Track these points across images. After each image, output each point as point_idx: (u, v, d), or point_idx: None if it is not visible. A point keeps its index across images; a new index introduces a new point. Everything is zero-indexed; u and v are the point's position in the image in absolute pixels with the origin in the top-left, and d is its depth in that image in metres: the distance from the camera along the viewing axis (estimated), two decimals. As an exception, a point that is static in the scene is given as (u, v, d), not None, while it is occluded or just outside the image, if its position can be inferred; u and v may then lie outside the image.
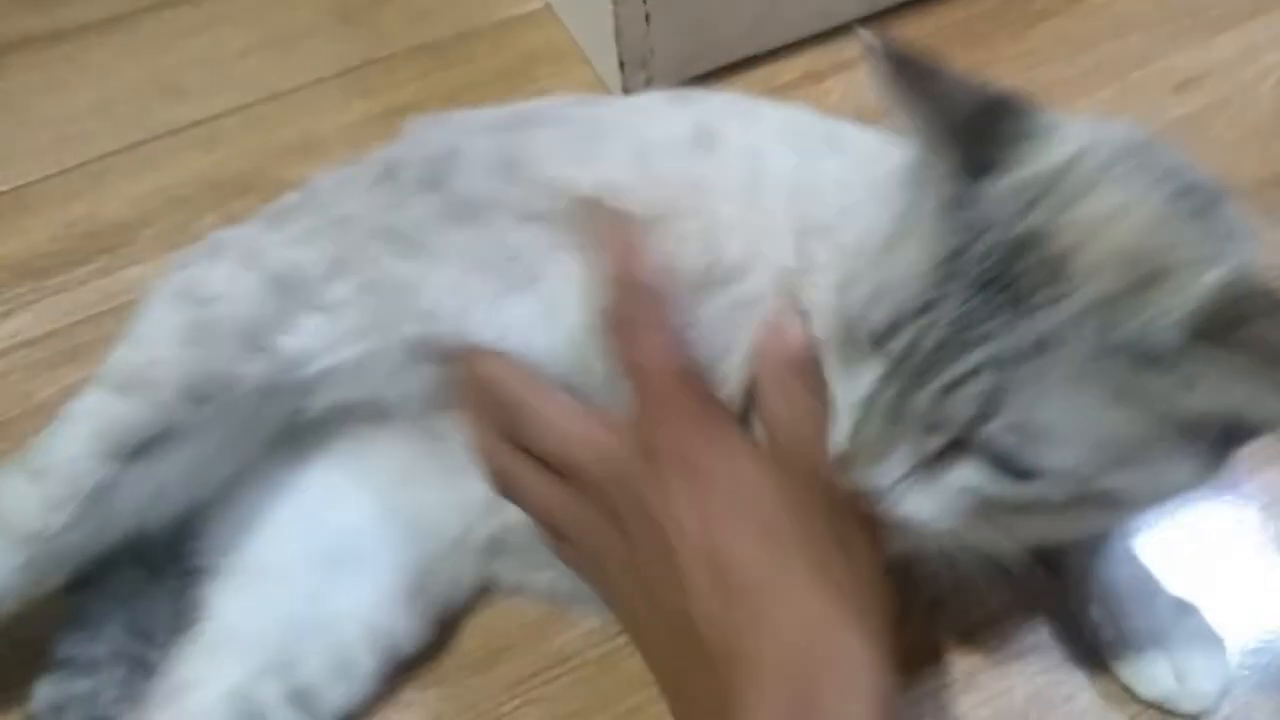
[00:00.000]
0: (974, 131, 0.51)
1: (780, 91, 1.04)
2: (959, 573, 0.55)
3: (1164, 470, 0.49)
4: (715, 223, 0.66)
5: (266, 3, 1.16)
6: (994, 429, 0.48)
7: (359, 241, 0.69)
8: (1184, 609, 0.70)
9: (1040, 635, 0.72)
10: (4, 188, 1.00)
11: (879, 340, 0.50)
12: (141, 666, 0.67)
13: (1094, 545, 0.69)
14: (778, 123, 0.73)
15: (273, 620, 0.68)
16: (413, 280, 0.67)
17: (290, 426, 0.70)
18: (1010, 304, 0.47)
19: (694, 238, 0.66)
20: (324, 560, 0.70)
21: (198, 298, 0.68)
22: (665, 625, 0.57)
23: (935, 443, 0.50)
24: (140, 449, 0.64)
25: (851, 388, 0.53)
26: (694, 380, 0.60)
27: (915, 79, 0.53)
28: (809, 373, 0.58)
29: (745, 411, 0.62)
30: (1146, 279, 0.46)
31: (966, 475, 0.50)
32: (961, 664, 0.71)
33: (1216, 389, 0.46)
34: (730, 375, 0.63)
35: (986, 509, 0.51)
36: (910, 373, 0.49)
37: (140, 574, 0.70)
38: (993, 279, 0.47)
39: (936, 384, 0.48)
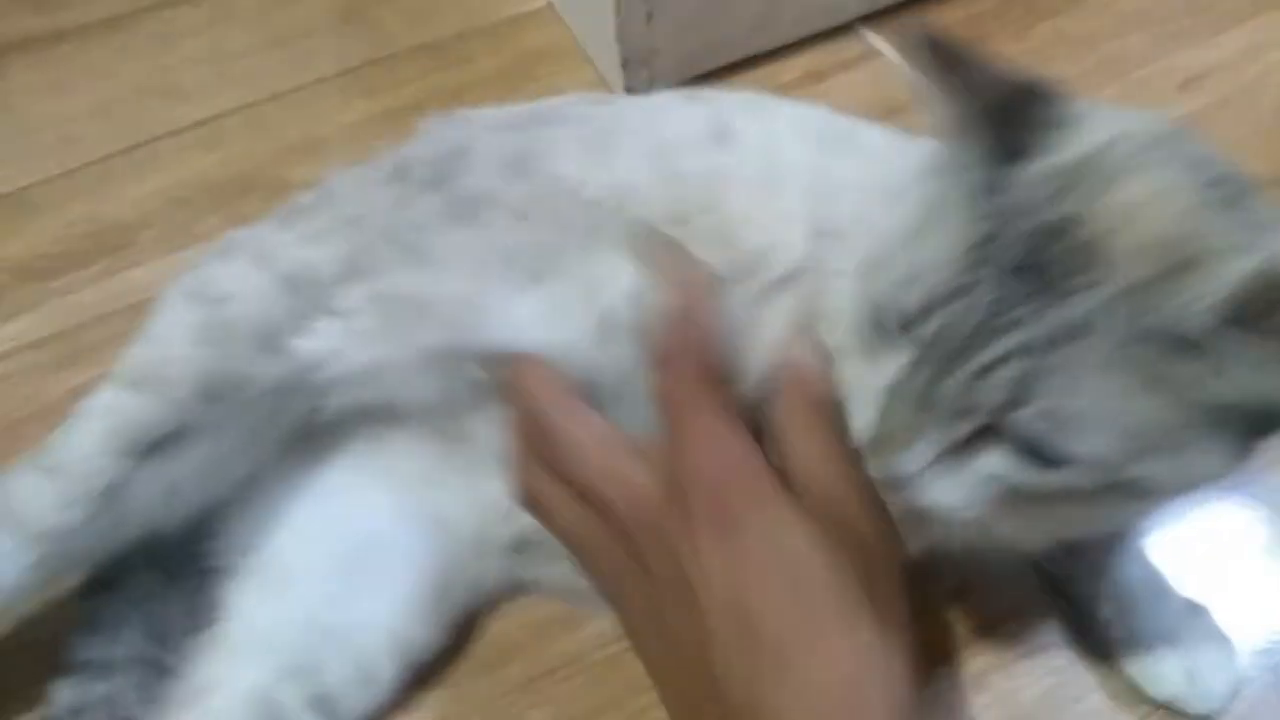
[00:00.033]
0: (1006, 117, 0.51)
1: (782, 91, 1.03)
2: (979, 568, 0.55)
3: (1192, 459, 0.49)
4: (732, 218, 0.66)
5: (267, 3, 1.15)
6: (1024, 415, 0.47)
7: (370, 242, 0.69)
8: (1194, 609, 0.70)
9: (1050, 636, 0.72)
10: (5, 189, 1.00)
11: (909, 325, 0.50)
12: (159, 669, 0.67)
13: (1107, 544, 0.69)
14: (792, 118, 0.73)
15: (293, 623, 0.67)
16: (423, 290, 0.67)
17: (307, 426, 0.70)
18: (1042, 290, 0.47)
19: (711, 234, 0.65)
20: (344, 563, 0.69)
21: (210, 297, 0.67)
22: (683, 669, 0.57)
23: (964, 429, 0.50)
24: (154, 447, 0.64)
25: (877, 375, 0.52)
26: (730, 425, 0.58)
27: (948, 64, 0.52)
28: (832, 412, 0.57)
29: (759, 423, 0.61)
30: (1179, 266, 0.46)
31: (994, 462, 0.50)
32: (971, 664, 0.71)
33: (1247, 375, 0.46)
34: (749, 371, 0.63)
35: (1012, 498, 0.51)
36: (940, 358, 0.49)
37: (157, 576, 0.70)
38: (1024, 265, 0.47)
39: (967, 370, 0.48)
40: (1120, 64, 1.05)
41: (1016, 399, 0.47)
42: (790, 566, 0.55)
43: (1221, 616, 0.70)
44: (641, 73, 1.02)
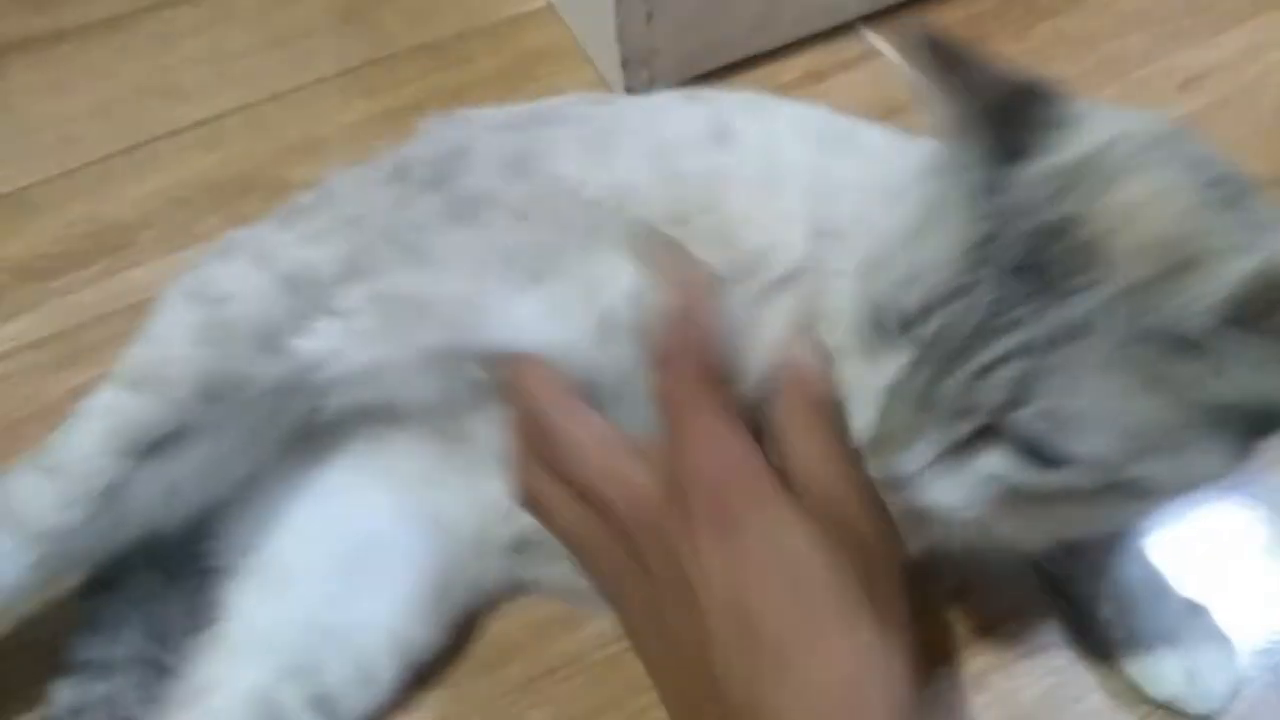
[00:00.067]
0: (1006, 117, 0.51)
1: (782, 91, 1.03)
2: (979, 568, 0.55)
3: (1192, 460, 0.49)
4: (732, 218, 0.66)
5: (267, 3, 1.16)
6: (1024, 415, 0.47)
7: (370, 242, 0.69)
8: (1195, 610, 0.70)
9: (1049, 636, 0.72)
10: (5, 189, 1.00)
11: (909, 324, 0.50)
12: (159, 668, 0.67)
13: (1107, 544, 0.69)
14: (792, 118, 0.73)
15: (293, 623, 0.67)
16: (423, 290, 0.67)
17: (307, 426, 0.70)
18: (1042, 290, 0.47)
19: (711, 234, 0.66)
20: (344, 564, 0.69)
21: (210, 297, 0.67)
22: (683, 668, 0.57)
23: (964, 429, 0.50)
24: (154, 447, 0.64)
25: (877, 375, 0.52)
26: (730, 425, 0.58)
27: (948, 64, 0.53)
28: (832, 412, 0.57)
29: (759, 422, 0.61)
30: (1179, 266, 0.46)
31: (994, 462, 0.50)
32: (971, 664, 0.71)
33: (1247, 375, 0.46)
34: (749, 370, 0.63)
35: (1012, 498, 0.51)
36: (940, 358, 0.49)
37: (157, 576, 0.70)
38: (1024, 265, 0.47)
39: (967, 370, 0.48)
40: (1120, 64, 1.05)
41: (1016, 399, 0.47)
42: (790, 567, 0.55)
43: (1221, 616, 0.70)
44: (641, 73, 1.02)
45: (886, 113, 0.79)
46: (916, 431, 0.51)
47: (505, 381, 0.65)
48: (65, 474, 0.63)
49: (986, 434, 0.50)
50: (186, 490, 0.67)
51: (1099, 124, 0.52)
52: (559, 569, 0.67)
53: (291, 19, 1.14)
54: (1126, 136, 0.51)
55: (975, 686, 0.70)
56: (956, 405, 0.49)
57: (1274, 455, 0.50)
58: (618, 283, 0.66)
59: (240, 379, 0.65)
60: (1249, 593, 0.73)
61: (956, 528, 0.54)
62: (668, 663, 0.58)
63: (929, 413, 0.50)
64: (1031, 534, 0.54)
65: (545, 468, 0.62)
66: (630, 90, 1.03)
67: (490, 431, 0.68)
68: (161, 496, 0.66)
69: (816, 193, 0.67)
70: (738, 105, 0.74)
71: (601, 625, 0.73)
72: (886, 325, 0.52)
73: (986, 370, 0.47)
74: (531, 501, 0.64)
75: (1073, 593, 0.71)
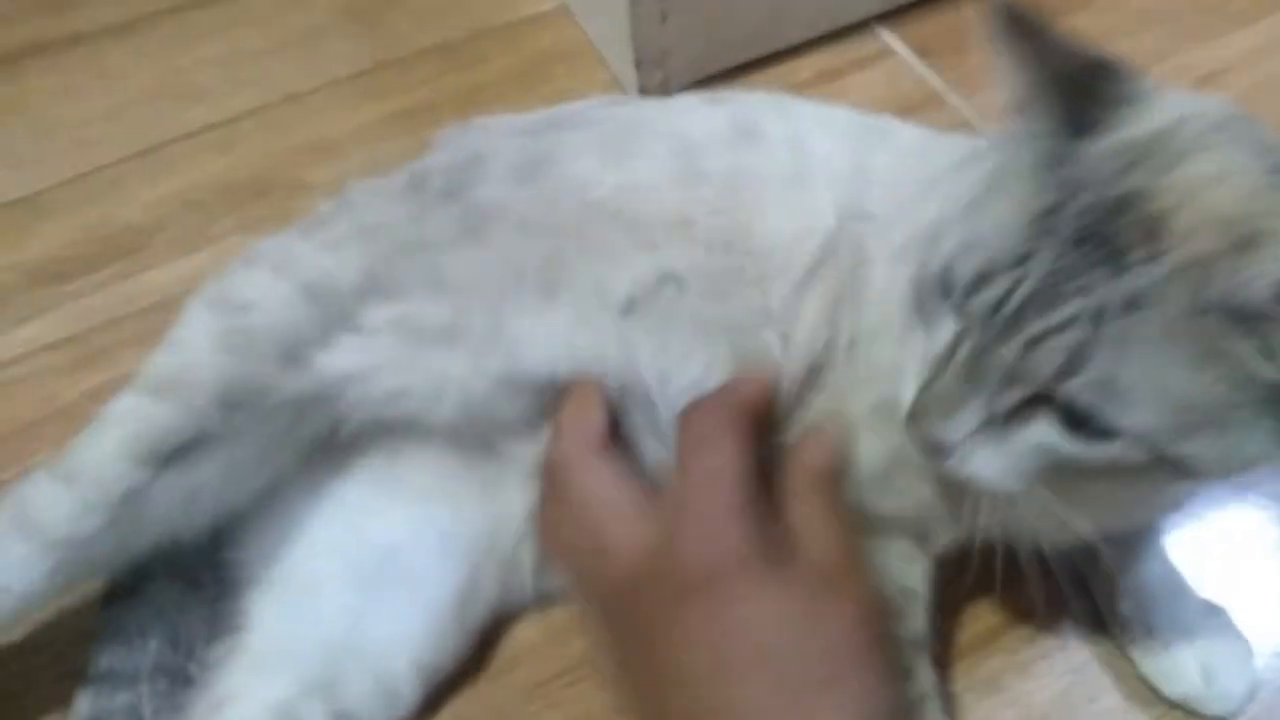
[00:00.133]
0: (1078, 90, 0.52)
1: (797, 90, 1.03)
2: (1005, 564, 0.56)
3: (1239, 441, 0.49)
4: (750, 217, 0.67)
5: (279, 5, 1.16)
6: (1077, 384, 0.48)
7: (388, 256, 0.69)
8: (1213, 610, 0.70)
9: (1064, 636, 0.72)
10: (21, 193, 1.00)
11: (966, 292, 0.51)
12: (182, 678, 0.67)
13: (1129, 541, 0.69)
14: (818, 116, 0.75)
15: (315, 637, 0.67)
16: (444, 320, 0.67)
17: (328, 438, 0.70)
18: (1104, 261, 0.47)
19: (715, 236, 0.67)
20: (364, 576, 0.69)
21: (232, 305, 0.68)
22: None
23: (1012, 397, 0.51)
24: (173, 455, 0.64)
25: (919, 349, 0.54)
26: (740, 509, 0.58)
27: (1025, 33, 0.54)
28: (836, 482, 0.59)
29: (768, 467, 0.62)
30: (1241, 243, 0.46)
31: (1040, 432, 0.51)
32: (986, 665, 0.71)
33: None
34: (789, 362, 0.65)
35: (1054, 473, 0.52)
36: (998, 325, 0.49)
37: (179, 585, 0.70)
38: (1088, 236, 0.48)
39: (1023, 336, 0.48)
40: (1136, 61, 1.04)
41: (1071, 367, 0.48)
42: (762, 643, 0.55)
43: (1239, 617, 0.69)
44: (656, 73, 1.02)
45: (902, 111, 0.79)
46: (961, 400, 0.52)
47: (550, 412, 0.67)
48: (83, 480, 0.63)
49: (1033, 405, 0.50)
50: (205, 499, 0.67)
51: (1168, 104, 0.52)
52: None
53: (304, 21, 1.14)
54: (1195, 117, 0.51)
55: (991, 687, 0.70)
56: (1006, 374, 0.50)
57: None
58: (624, 276, 0.67)
59: (261, 388, 0.65)
60: (1267, 594, 0.73)
61: (994, 507, 0.55)
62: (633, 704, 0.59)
63: (975, 382, 0.51)
64: (1067, 517, 0.54)
65: (558, 508, 0.64)
66: (644, 90, 1.02)
67: (513, 448, 0.69)
68: (180, 505, 0.65)
69: (848, 184, 0.68)
70: (761, 105, 0.75)
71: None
72: (934, 299, 0.53)
73: (1040, 339, 0.48)
74: (546, 539, 0.67)
75: (1094, 589, 0.71)
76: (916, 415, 0.53)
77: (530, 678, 0.72)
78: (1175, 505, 0.70)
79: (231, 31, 1.13)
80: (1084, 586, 0.71)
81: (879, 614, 0.58)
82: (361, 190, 0.75)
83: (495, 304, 0.67)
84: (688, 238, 0.68)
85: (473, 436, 0.70)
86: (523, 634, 0.73)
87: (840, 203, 0.68)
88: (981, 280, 0.50)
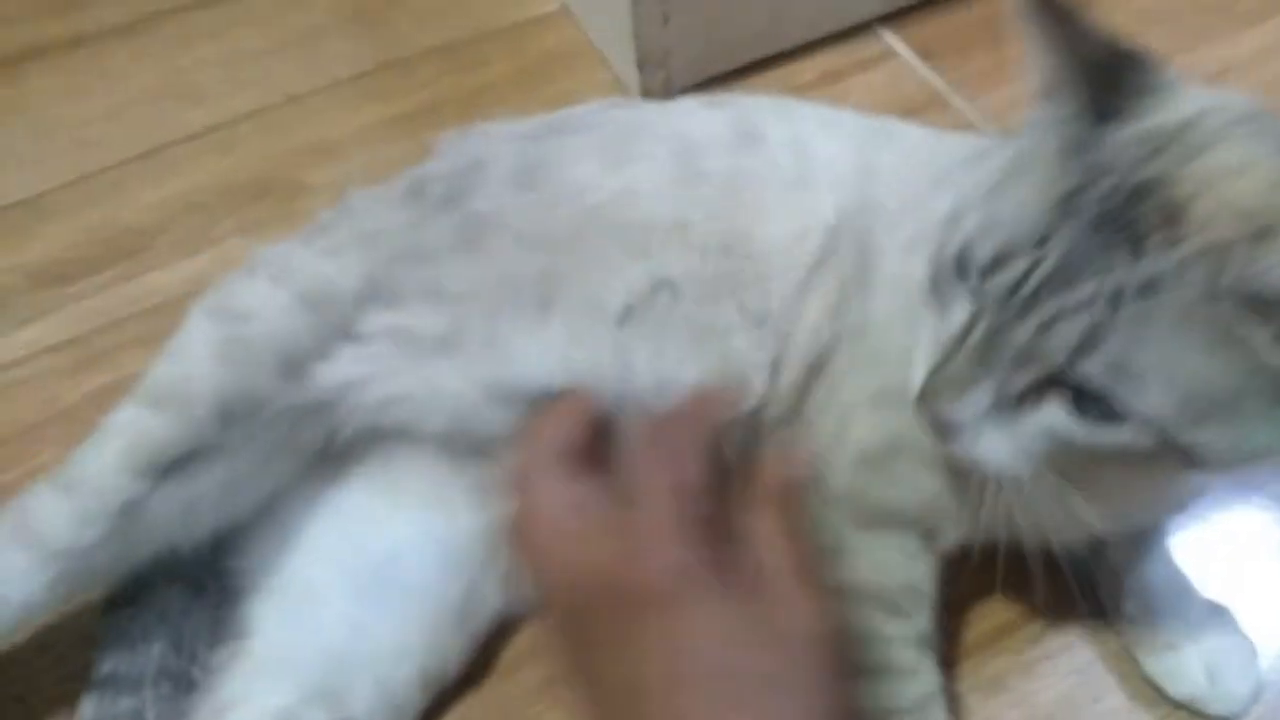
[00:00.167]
0: (1104, 77, 0.53)
1: (799, 91, 1.03)
2: (1010, 563, 0.55)
3: (1248, 430, 0.50)
4: (749, 220, 0.67)
5: (281, 6, 1.16)
6: (1091, 365, 0.48)
7: (387, 264, 0.69)
8: (1217, 610, 0.70)
9: (1069, 636, 0.72)
10: (23, 195, 1.00)
11: (983, 273, 0.51)
12: (185, 682, 0.67)
13: (1134, 541, 0.70)
14: (820, 118, 0.75)
15: (316, 645, 0.67)
16: (441, 330, 0.67)
17: (325, 447, 0.70)
18: (1123, 245, 0.48)
19: (709, 240, 0.67)
20: (365, 586, 0.69)
21: (232, 314, 0.68)
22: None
23: (1024, 378, 0.51)
24: (172, 466, 0.64)
25: (938, 328, 0.54)
26: (692, 525, 0.56)
27: (1055, 18, 0.54)
28: (798, 500, 0.59)
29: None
30: (1260, 233, 0.47)
31: (1050, 415, 0.51)
32: (991, 665, 0.71)
33: None
34: (794, 357, 0.65)
35: (1062, 462, 0.52)
36: (1014, 306, 0.50)
37: (181, 589, 0.70)
38: (1108, 220, 0.48)
39: (1039, 316, 0.49)
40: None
41: (1086, 348, 0.48)
42: (712, 655, 0.54)
43: (1244, 618, 0.69)
44: (657, 74, 1.02)
45: (904, 112, 0.79)
46: (972, 381, 0.52)
47: (522, 425, 0.64)
48: (83, 491, 0.63)
49: (1044, 387, 0.51)
50: (204, 509, 0.67)
51: (1192, 96, 0.53)
52: None
53: (305, 22, 1.14)
54: (1218, 109, 0.52)
55: (995, 687, 0.70)
56: (1019, 354, 0.50)
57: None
58: (619, 286, 0.67)
59: (259, 399, 0.65)
60: (1272, 595, 0.73)
61: (1000, 499, 0.55)
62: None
63: (987, 363, 0.51)
64: (1073, 510, 0.54)
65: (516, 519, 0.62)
66: (646, 92, 1.02)
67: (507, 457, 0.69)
68: (179, 515, 0.66)
69: (853, 184, 0.69)
70: (762, 108, 0.75)
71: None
72: (949, 281, 0.53)
73: (1055, 319, 0.48)
74: (511, 549, 0.64)
75: (1099, 589, 0.71)
76: (926, 396, 0.54)
77: (535, 678, 0.72)
78: (1181, 505, 0.70)
79: (232, 32, 1.13)
80: (1089, 586, 0.71)
81: (835, 620, 0.57)
82: (362, 197, 0.75)
83: (492, 315, 0.67)
84: (684, 242, 0.68)
85: (467, 446, 0.70)
86: (527, 634, 0.73)
87: (844, 203, 0.68)
88: (999, 261, 0.50)
